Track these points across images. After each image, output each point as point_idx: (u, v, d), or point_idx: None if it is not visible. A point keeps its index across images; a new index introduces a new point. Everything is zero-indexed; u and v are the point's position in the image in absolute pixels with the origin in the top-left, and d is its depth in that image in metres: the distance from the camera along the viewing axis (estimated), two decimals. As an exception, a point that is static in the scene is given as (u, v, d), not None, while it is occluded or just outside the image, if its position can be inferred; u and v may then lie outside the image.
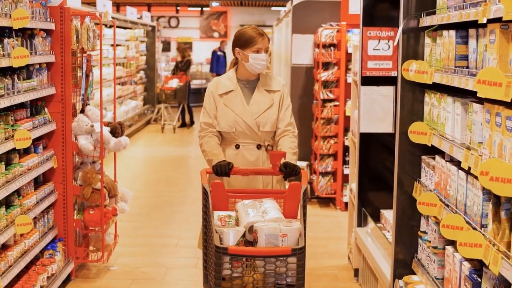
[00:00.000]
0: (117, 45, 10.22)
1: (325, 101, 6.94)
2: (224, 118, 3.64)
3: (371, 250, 4.29)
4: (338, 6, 6.99)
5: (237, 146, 3.66)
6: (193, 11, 20.63)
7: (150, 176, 8.95)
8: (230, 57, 17.91)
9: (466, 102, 2.75)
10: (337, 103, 6.87)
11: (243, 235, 3.00)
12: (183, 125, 13.53)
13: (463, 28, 2.81)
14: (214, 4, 19.54)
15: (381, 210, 4.43)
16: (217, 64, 16.93)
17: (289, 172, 3.40)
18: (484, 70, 2.24)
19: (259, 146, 3.67)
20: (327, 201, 7.13)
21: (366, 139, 4.71)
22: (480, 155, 2.47)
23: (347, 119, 6.55)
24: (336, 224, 6.34)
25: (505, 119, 2.25)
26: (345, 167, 6.76)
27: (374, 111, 4.57)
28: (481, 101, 2.56)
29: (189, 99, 13.65)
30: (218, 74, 16.73)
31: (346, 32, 6.72)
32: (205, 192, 3.16)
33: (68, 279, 4.66)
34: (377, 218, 4.50)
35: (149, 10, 18.15)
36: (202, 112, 3.73)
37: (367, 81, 4.59)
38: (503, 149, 2.27)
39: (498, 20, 2.28)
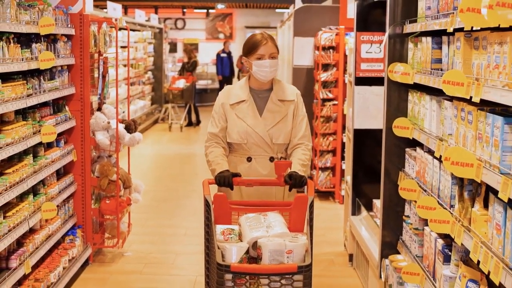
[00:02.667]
0: (126, 46, 10.64)
1: (324, 100, 7.36)
2: (235, 129, 3.48)
3: (363, 235, 4.70)
4: (337, 11, 7.40)
5: (249, 159, 3.50)
6: (199, 13, 21.06)
7: (158, 172, 9.38)
8: (235, 57, 18.36)
9: (440, 100, 3.15)
10: (335, 102, 7.29)
11: (247, 251, 2.86)
12: (190, 124, 13.95)
13: (438, 35, 3.22)
14: (220, 6, 19.96)
15: (373, 200, 4.84)
16: (222, 66, 17.20)
17: (294, 183, 3.25)
18: (448, 72, 2.64)
19: (272, 159, 3.50)
20: (326, 195, 7.54)
21: (360, 135, 5.12)
22: (449, 145, 2.88)
23: (345, 117, 6.94)
24: (334, 216, 6.74)
25: (467, 114, 2.66)
26: (343, 163, 7.15)
27: (367, 109, 4.99)
28: (452, 99, 2.97)
29: (195, 99, 14.07)
30: (224, 76, 17.04)
31: (344, 36, 7.12)
32: (207, 204, 3.03)
33: (86, 263, 5.08)
34: (369, 208, 4.92)
35: (156, 12, 18.57)
36: (210, 121, 3.59)
37: (361, 81, 5.02)
38: (465, 139, 2.68)
39: (462, 29, 2.69)
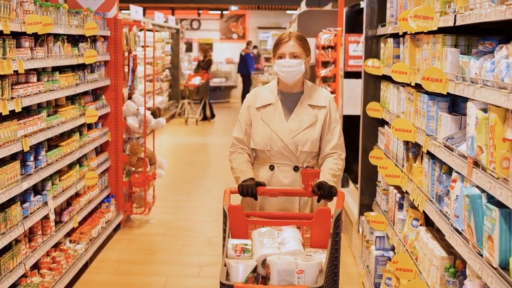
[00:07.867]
0: (146, 46, 11.62)
1: (324, 93, 8.30)
2: (259, 135, 3.27)
3: (349, 203, 5.64)
4: (336, 14, 8.34)
5: (272, 167, 3.27)
6: (214, 14, 22.06)
7: (176, 159, 10.37)
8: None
9: (398, 86, 4.09)
10: (334, 95, 8.22)
11: (254, 270, 2.64)
12: (205, 118, 14.93)
13: (398, 37, 4.15)
14: (233, 7, 20.94)
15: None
16: (244, 64, 17.54)
17: (323, 194, 2.99)
18: (395, 64, 3.59)
19: (296, 168, 3.26)
20: (325, 178, 8.47)
21: (348, 120, 6.06)
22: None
23: (341, 108, 7.89)
24: (331, 195, 7.67)
25: (411, 95, 3.60)
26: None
27: (354, 98, 5.94)
28: (405, 85, 3.90)
29: (209, 95, 15.03)
30: (249, 75, 17.71)
31: (342, 36, 8.04)
32: (225, 216, 2.88)
33: (118, 227, 6.07)
34: (356, 181, 5.84)
35: (172, 14, 19.58)
36: (236, 125, 3.39)
37: (349, 75, 5.97)
38: (410, 114, 3.62)
39: (407, 33, 3.62)
